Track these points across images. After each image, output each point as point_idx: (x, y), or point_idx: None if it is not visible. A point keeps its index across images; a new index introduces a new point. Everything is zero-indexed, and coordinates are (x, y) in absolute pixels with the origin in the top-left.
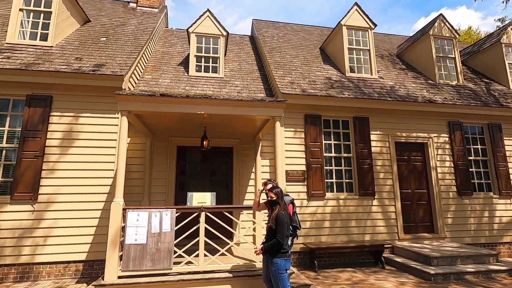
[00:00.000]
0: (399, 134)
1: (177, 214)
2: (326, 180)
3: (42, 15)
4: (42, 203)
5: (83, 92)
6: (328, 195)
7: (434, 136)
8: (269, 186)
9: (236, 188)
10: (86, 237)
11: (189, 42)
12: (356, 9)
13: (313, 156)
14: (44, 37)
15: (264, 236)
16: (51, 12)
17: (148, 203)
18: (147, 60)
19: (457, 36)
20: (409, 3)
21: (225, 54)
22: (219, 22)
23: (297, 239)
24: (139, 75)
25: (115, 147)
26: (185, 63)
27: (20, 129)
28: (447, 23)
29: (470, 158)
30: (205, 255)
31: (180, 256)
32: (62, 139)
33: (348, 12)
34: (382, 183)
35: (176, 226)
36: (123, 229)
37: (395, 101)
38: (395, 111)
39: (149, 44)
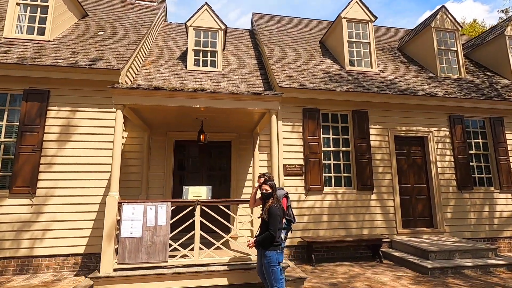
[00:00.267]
0: (398, 128)
1: (173, 208)
2: (324, 175)
3: (39, 9)
4: (40, 197)
5: (80, 86)
6: (326, 189)
7: (435, 130)
8: (262, 179)
9: (234, 182)
10: (84, 231)
11: (187, 36)
12: (356, 1)
13: (311, 150)
14: (42, 32)
15: (258, 228)
16: (48, 6)
17: (146, 197)
18: (145, 55)
19: (460, 28)
20: None
21: (223, 48)
22: (217, 16)
23: (291, 232)
24: (137, 70)
25: (112, 141)
26: (183, 57)
27: (18, 123)
28: (449, 15)
29: (471, 152)
30: (201, 249)
31: (175, 249)
32: (59, 133)
33: (348, 4)
34: (381, 178)
35: (171, 219)
36: (119, 222)
37: (394, 94)
38: (394, 105)
39: (147, 38)
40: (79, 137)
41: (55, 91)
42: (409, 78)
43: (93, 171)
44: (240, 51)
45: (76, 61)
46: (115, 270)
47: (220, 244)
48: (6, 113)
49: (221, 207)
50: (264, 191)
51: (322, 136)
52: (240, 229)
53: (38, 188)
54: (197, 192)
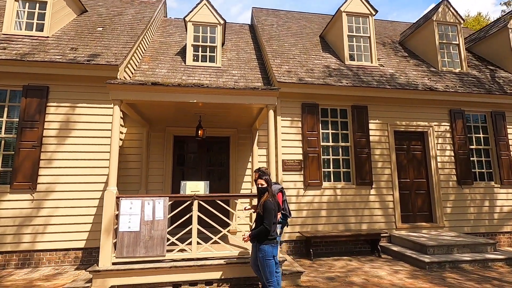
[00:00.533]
0: (398, 123)
1: (171, 202)
2: (323, 170)
3: (37, 5)
4: (41, 192)
5: (79, 82)
6: (325, 184)
7: (435, 125)
8: (256, 175)
9: (233, 177)
10: (85, 225)
11: (186, 31)
12: None
13: (310, 145)
14: (40, 28)
15: (254, 222)
16: (46, 2)
17: (145, 192)
18: (145, 50)
19: (462, 22)
20: None
21: (223, 44)
22: (216, 11)
23: (287, 227)
24: (136, 65)
25: (110, 137)
26: (182, 52)
27: (17, 119)
28: (451, 9)
29: (472, 147)
30: (199, 243)
31: (173, 243)
32: (59, 129)
33: None
34: (380, 173)
35: (169, 214)
36: (117, 217)
37: (394, 89)
38: (394, 100)
39: (146, 34)
40: (78, 133)
41: (54, 87)
42: (409, 72)
43: (92, 166)
44: (239, 46)
45: (75, 57)
46: (113, 263)
47: (218, 238)
48: (6, 109)
49: (220, 202)
50: (259, 186)
51: (321, 131)
52: (239, 224)
53: (38, 183)
54: (195, 187)
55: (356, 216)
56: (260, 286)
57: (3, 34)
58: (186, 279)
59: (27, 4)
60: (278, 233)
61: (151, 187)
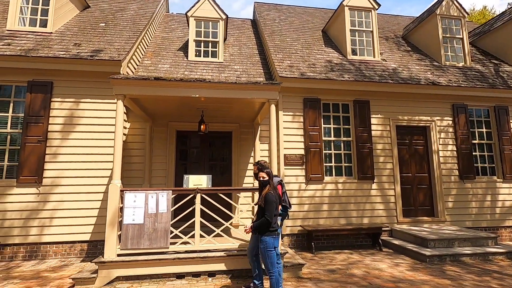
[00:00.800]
0: (400, 118)
1: (174, 196)
2: (325, 164)
3: (41, 1)
4: (46, 186)
5: (82, 77)
6: (327, 178)
7: (437, 119)
8: (255, 169)
9: (235, 172)
10: (90, 219)
11: (188, 26)
12: None
13: (311, 140)
14: (44, 24)
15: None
16: None
17: (148, 186)
18: (147, 46)
19: (466, 15)
20: None
21: (225, 39)
22: (218, 6)
23: (287, 218)
24: (139, 61)
25: (114, 132)
26: (184, 48)
27: (23, 114)
28: (455, 2)
29: (474, 141)
30: (202, 236)
31: (177, 236)
32: (63, 124)
33: None
34: (382, 167)
35: (173, 207)
36: (121, 209)
37: (396, 83)
38: (396, 94)
39: (149, 29)
40: (82, 127)
41: (58, 83)
42: (412, 67)
43: (96, 161)
44: (241, 41)
45: (78, 52)
46: (118, 255)
47: (221, 231)
48: (11, 104)
49: (222, 196)
50: (261, 178)
51: (323, 125)
52: (241, 218)
53: (44, 177)
54: (198, 181)
55: (358, 210)
56: (258, 281)
57: (7, 30)
58: (189, 270)
59: (31, 0)
60: (279, 224)
61: (154, 181)
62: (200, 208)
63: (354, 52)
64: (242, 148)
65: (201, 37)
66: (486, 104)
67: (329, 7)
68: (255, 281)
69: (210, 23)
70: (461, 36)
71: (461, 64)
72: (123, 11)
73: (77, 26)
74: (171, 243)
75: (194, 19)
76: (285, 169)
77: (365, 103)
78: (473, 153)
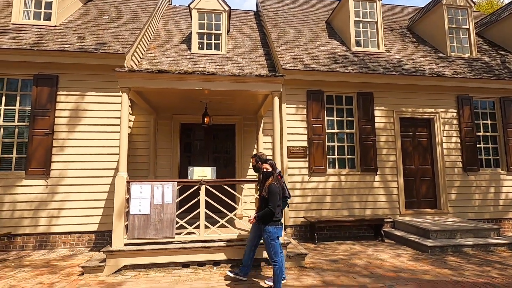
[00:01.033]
0: (404, 110)
1: (179, 187)
2: (328, 156)
3: None
4: (54, 178)
5: (87, 71)
6: (330, 171)
7: (442, 111)
8: (253, 159)
9: (239, 164)
10: (97, 210)
11: (191, 18)
12: None
13: (315, 132)
14: (48, 17)
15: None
16: None
17: (154, 178)
18: (150, 38)
19: (473, 5)
20: None
21: (228, 31)
22: None
23: (288, 207)
24: (142, 54)
25: (119, 124)
26: (187, 40)
27: (29, 108)
28: None
29: (479, 133)
30: (207, 226)
31: (182, 226)
32: (69, 117)
33: None
34: (385, 159)
35: (178, 198)
36: (128, 200)
37: (401, 75)
38: (401, 86)
39: (152, 22)
40: (88, 120)
41: (63, 76)
42: (417, 58)
43: (103, 153)
44: (244, 33)
45: (82, 45)
46: (125, 245)
47: (225, 222)
48: (18, 98)
49: (226, 187)
50: (264, 170)
51: (326, 118)
52: (245, 209)
53: (52, 169)
54: (202, 173)
55: (360, 202)
56: (244, 271)
57: (12, 23)
58: (195, 259)
59: None
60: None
61: (159, 173)
62: (205, 199)
63: (358, 44)
64: (246, 141)
65: (204, 29)
66: (492, 95)
67: None
68: (242, 269)
69: (213, 15)
70: (467, 27)
71: (467, 55)
72: (126, 3)
73: (80, 19)
74: (177, 233)
75: (197, 11)
76: (288, 161)
77: (368, 95)
78: (477, 145)
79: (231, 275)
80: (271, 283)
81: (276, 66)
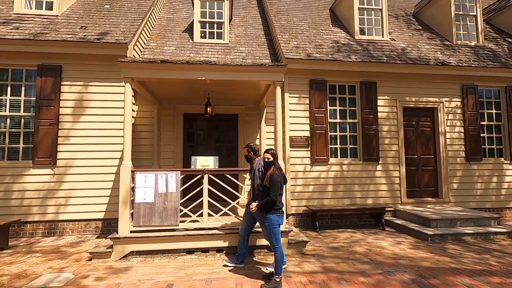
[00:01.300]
0: (408, 99)
1: (182, 176)
2: (330, 146)
3: None
4: (61, 167)
5: (90, 61)
6: (332, 160)
7: (445, 101)
8: (245, 151)
9: (242, 153)
10: (103, 198)
11: (193, 7)
12: None
13: (317, 122)
14: (50, 6)
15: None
16: None
17: (158, 167)
18: (152, 27)
19: None
20: None
21: (230, 19)
22: None
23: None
24: (144, 43)
25: (123, 114)
26: (190, 29)
27: (34, 98)
28: None
29: (483, 123)
30: (210, 214)
31: (186, 214)
32: (74, 107)
33: None
34: (387, 149)
35: (181, 187)
36: (133, 189)
37: (405, 64)
38: (405, 75)
39: (153, 10)
40: (92, 110)
41: (66, 66)
42: (422, 46)
43: (107, 143)
44: (247, 21)
45: (85, 35)
46: (131, 232)
47: (228, 210)
48: (23, 88)
49: (229, 176)
50: (265, 159)
51: (328, 107)
52: (246, 198)
53: (58, 159)
54: (205, 162)
55: (362, 191)
56: (240, 259)
57: (14, 13)
58: (198, 246)
59: None
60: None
61: (163, 163)
62: (208, 188)
63: (362, 32)
64: (248, 130)
65: (206, 18)
66: (497, 84)
67: None
68: (238, 258)
69: (215, 3)
70: (474, 13)
71: (473, 43)
72: None
73: (82, 8)
74: (181, 221)
75: None
76: (290, 150)
77: (372, 85)
78: (481, 135)
79: (229, 264)
80: (273, 269)
81: (279, 55)
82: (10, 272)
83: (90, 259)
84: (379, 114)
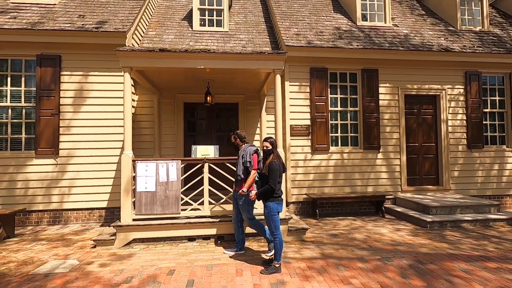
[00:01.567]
0: (409, 87)
1: (183, 165)
2: (331, 134)
3: None
4: (63, 157)
5: (89, 50)
6: (333, 148)
7: (448, 88)
8: (232, 138)
9: None
10: (105, 187)
11: None
12: None
13: (318, 110)
14: None
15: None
16: None
17: (159, 156)
18: (151, 16)
19: None
20: None
21: (230, 6)
22: None
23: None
24: (143, 32)
25: (123, 104)
26: (189, 17)
27: (35, 88)
28: None
29: (486, 110)
30: (210, 203)
31: (187, 203)
32: (74, 97)
33: None
34: (388, 137)
35: (182, 176)
36: (134, 178)
37: (407, 50)
38: (407, 62)
39: None
40: (92, 100)
41: (66, 56)
42: (425, 32)
43: (108, 132)
44: (247, 8)
45: (83, 24)
46: (134, 220)
47: (228, 198)
48: (23, 79)
49: (230, 165)
50: (264, 148)
51: (329, 96)
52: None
53: (60, 149)
54: (205, 151)
55: (362, 179)
56: (240, 246)
57: (11, 2)
58: (200, 234)
59: None
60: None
61: (164, 152)
62: (208, 177)
63: (364, 18)
64: (249, 119)
65: (205, 5)
66: (501, 71)
67: None
68: (237, 245)
69: None
70: None
71: (478, 28)
72: None
73: None
74: (182, 209)
75: None
76: (291, 139)
77: (373, 72)
78: (484, 122)
79: (229, 252)
80: (272, 255)
81: (279, 42)
82: (17, 259)
83: (94, 247)
84: (381, 102)
